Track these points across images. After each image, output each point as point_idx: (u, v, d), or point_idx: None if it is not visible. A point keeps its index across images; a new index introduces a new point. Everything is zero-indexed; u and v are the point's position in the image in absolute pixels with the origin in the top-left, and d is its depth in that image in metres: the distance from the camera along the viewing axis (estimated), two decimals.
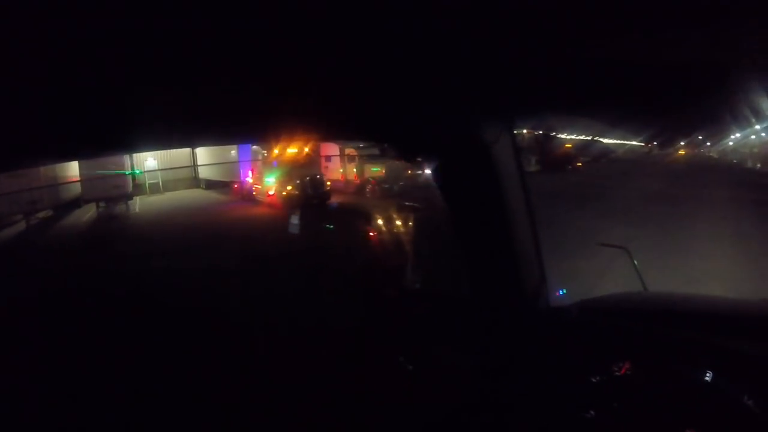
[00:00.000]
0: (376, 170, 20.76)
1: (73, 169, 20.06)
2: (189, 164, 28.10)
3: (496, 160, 1.70)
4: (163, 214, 19.70)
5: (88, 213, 19.94)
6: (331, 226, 12.96)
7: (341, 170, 22.81)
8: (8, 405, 3.58)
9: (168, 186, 27.39)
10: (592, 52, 1.20)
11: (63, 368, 4.50)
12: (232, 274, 7.99)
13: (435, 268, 2.31)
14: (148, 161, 26.79)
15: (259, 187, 20.61)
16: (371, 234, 2.39)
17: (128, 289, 7.38)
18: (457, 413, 1.91)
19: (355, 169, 22.06)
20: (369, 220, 2.41)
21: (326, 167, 23.46)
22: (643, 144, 33.46)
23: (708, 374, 1.42)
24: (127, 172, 21.69)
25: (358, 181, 21.57)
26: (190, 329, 5.45)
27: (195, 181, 28.31)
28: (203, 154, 26.63)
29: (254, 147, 23.39)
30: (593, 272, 6.07)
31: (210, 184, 26.74)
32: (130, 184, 22.57)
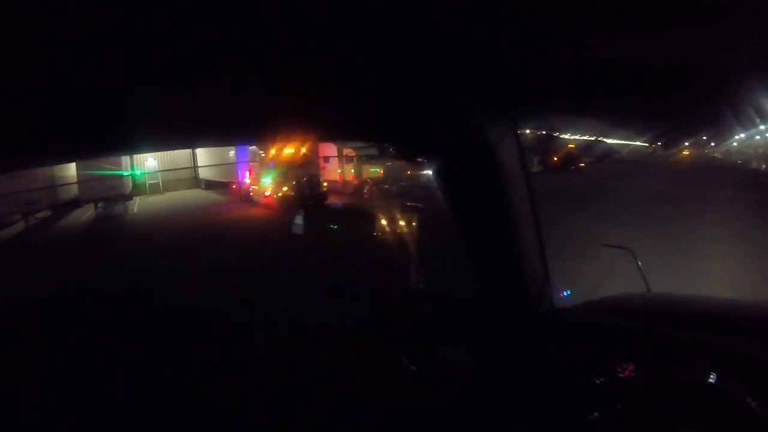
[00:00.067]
0: (375, 171, 20.64)
1: (71, 169, 20.14)
2: (189, 165, 28.17)
3: (500, 160, 1.70)
4: (160, 214, 19.79)
5: (86, 213, 20.01)
6: (336, 226, 13.03)
7: (339, 171, 22.72)
8: (8, 405, 3.60)
9: (168, 186, 27.49)
10: (595, 51, 1.20)
11: (60, 368, 4.52)
12: (223, 275, 8.07)
13: (438, 269, 2.31)
14: (149, 161, 26.87)
15: (256, 187, 20.66)
16: (375, 234, 2.39)
17: (120, 290, 7.44)
18: (459, 414, 1.91)
19: (353, 170, 21.94)
20: (372, 220, 2.41)
21: (324, 168, 23.37)
22: (647, 144, 33.44)
23: (711, 375, 1.43)
24: (124, 173, 21.71)
25: (356, 182, 21.48)
26: (183, 329, 5.48)
27: (195, 182, 28.43)
28: (203, 154, 26.68)
29: (251, 147, 23.40)
30: (592, 275, 6.08)
31: (209, 185, 26.82)
32: (128, 185, 22.64)
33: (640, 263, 2.23)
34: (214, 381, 3.95)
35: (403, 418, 2.08)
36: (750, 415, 1.32)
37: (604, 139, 28.18)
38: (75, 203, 20.58)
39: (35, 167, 14.19)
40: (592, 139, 26.86)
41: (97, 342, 5.28)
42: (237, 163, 23.25)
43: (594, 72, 1.35)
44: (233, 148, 22.89)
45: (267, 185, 19.50)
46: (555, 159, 25.29)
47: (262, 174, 20.45)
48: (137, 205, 23.11)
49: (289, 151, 19.88)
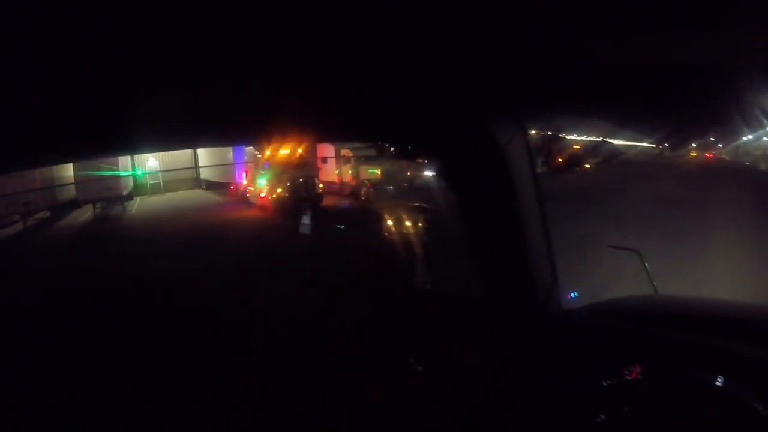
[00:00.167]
0: (373, 172, 20.46)
1: (70, 170, 20.18)
2: (189, 165, 28.20)
3: (509, 161, 1.71)
4: (157, 215, 19.88)
5: (85, 214, 20.07)
6: (342, 227, 13.06)
7: (337, 172, 22.51)
8: (7, 404, 3.62)
9: (169, 186, 27.57)
10: (603, 52, 1.21)
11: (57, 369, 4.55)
12: (211, 277, 8.15)
13: (445, 269, 2.32)
14: (150, 161, 26.91)
15: (252, 189, 20.59)
16: (382, 234, 2.39)
17: (112, 291, 7.49)
18: (466, 415, 1.92)
19: (350, 171, 21.73)
20: (379, 220, 2.42)
21: (321, 169, 23.09)
22: (654, 146, 33.30)
23: (719, 378, 1.43)
24: (122, 173, 21.71)
25: (353, 184, 21.29)
26: (176, 330, 5.52)
27: (197, 182, 28.46)
28: (204, 155, 26.69)
29: (248, 148, 23.33)
30: (592, 279, 6.05)
31: (210, 185, 26.85)
32: (126, 185, 22.66)
33: (647, 265, 2.24)
34: (217, 381, 3.97)
35: (410, 419, 2.09)
36: (757, 418, 1.33)
37: (611, 140, 28.10)
38: (74, 204, 20.61)
39: (36, 167, 14.23)
40: (599, 140, 26.78)
41: (88, 342, 5.32)
42: (234, 163, 23.22)
43: (602, 72, 1.36)
44: (232, 148, 22.88)
45: (262, 186, 19.42)
46: (560, 160, 25.18)
47: (257, 175, 20.35)
48: (137, 205, 23.21)
49: (284, 152, 19.79)
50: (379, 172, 20.20)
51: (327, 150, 22.80)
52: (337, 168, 22.56)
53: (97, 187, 19.96)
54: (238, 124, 1.52)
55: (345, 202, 19.74)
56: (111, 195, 20.79)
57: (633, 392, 1.55)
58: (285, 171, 18.84)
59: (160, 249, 11.56)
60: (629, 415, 1.53)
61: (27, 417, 3.69)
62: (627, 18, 1.04)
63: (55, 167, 19.07)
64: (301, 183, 18.59)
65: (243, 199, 21.31)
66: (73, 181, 20.33)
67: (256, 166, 21.19)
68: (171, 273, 8.76)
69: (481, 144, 1.70)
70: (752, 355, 1.46)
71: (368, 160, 21.02)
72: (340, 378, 3.13)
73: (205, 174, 27.71)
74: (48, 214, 19.78)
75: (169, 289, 7.56)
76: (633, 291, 2.28)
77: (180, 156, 27.04)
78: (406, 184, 18.28)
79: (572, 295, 2.07)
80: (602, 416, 1.57)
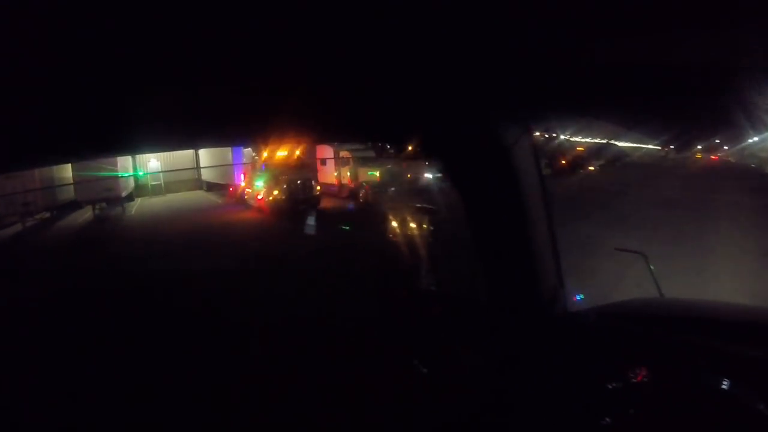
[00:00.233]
0: (372, 174, 20.16)
1: (70, 171, 20.24)
2: (190, 166, 28.24)
3: (515, 162, 1.72)
4: (155, 216, 19.89)
5: (85, 215, 20.12)
6: (347, 227, 13.07)
7: (335, 174, 22.31)
8: (7, 404, 3.63)
9: (171, 188, 27.65)
10: (609, 53, 1.22)
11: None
12: (208, 278, 8.17)
13: (450, 271, 2.33)
14: (152, 163, 26.96)
15: (250, 190, 20.54)
16: (386, 235, 2.40)
17: (109, 291, 7.53)
18: (470, 417, 1.93)
19: (348, 173, 21.48)
20: (381, 222, 2.43)
21: (321, 170, 23.05)
22: (659, 147, 33.18)
23: (724, 381, 1.43)
24: (122, 174, 21.73)
25: (352, 186, 21.04)
26: (163, 331, 5.54)
27: (198, 183, 28.49)
28: (206, 156, 26.73)
29: (246, 149, 23.29)
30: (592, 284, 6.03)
31: (210, 187, 26.86)
32: (126, 186, 22.70)
33: (652, 267, 2.24)
34: (220, 382, 3.98)
35: (415, 420, 2.10)
36: (761, 420, 1.33)
37: (615, 142, 28.00)
38: (75, 205, 20.65)
39: (36, 167, 14.27)
40: (603, 142, 26.69)
41: (86, 343, 5.34)
42: (233, 164, 23.20)
43: (606, 73, 1.37)
44: (231, 149, 22.88)
45: (259, 188, 19.34)
46: (563, 162, 25.10)
47: (254, 177, 20.30)
48: (138, 206, 23.26)
49: (282, 153, 19.66)
50: (378, 173, 20.01)
51: (326, 151, 22.72)
52: (335, 170, 22.42)
53: (96, 188, 20.01)
54: (238, 124, 1.52)
55: (342, 204, 19.64)
56: (110, 196, 20.83)
57: (638, 394, 1.56)
58: (282, 173, 18.74)
59: (155, 250, 11.69)
60: (634, 418, 1.54)
61: (27, 417, 3.70)
62: (629, 18, 1.05)
63: (54, 168, 19.14)
64: (297, 185, 18.46)
65: (241, 201, 21.31)
66: (72, 181, 20.39)
67: (253, 167, 21.15)
68: (165, 273, 8.86)
69: (487, 145, 1.71)
70: (757, 358, 1.47)
71: (367, 162, 20.77)
72: (344, 379, 3.13)
73: (206, 175, 27.74)
74: (47, 214, 19.82)
75: (164, 289, 7.61)
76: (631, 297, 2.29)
77: (181, 158, 27.12)
78: (405, 186, 18.13)
79: (578, 297, 2.08)
80: (607, 418, 1.57)
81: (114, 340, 5.39)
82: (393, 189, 18.22)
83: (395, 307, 2.47)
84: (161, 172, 27.74)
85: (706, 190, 16.69)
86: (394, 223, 2.40)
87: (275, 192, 18.32)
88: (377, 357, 2.57)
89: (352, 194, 20.68)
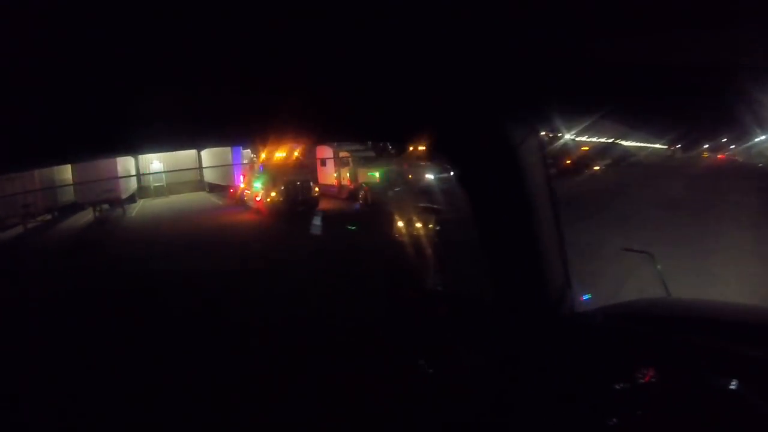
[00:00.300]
0: (372, 175, 20.10)
1: (70, 172, 20.34)
2: (193, 168, 28.31)
3: (522, 161, 1.73)
4: (155, 218, 20.01)
5: (86, 217, 20.22)
6: (354, 227, 13.08)
7: (335, 175, 22.27)
8: (7, 404, 3.65)
9: (174, 189, 27.74)
10: (615, 52, 1.22)
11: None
12: (204, 280, 8.26)
13: (457, 271, 2.34)
14: (154, 164, 27.05)
15: (249, 192, 20.55)
16: (394, 236, 2.41)
17: (104, 292, 7.58)
18: (476, 417, 1.93)
19: (348, 174, 21.44)
20: (387, 222, 2.43)
21: (321, 171, 23.11)
22: (665, 147, 33.03)
23: (733, 382, 1.44)
24: (123, 176, 21.79)
25: (352, 187, 21.00)
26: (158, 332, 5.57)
27: (201, 184, 28.57)
28: (207, 157, 26.80)
29: (245, 150, 23.28)
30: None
31: (212, 188, 26.92)
32: (127, 188, 22.78)
33: (659, 267, 2.24)
34: (227, 382, 3.99)
35: (421, 421, 2.10)
36: None
37: (621, 142, 27.87)
38: (77, 206, 20.73)
39: (36, 168, 14.34)
40: (609, 141, 26.56)
41: (81, 344, 5.37)
42: (233, 165, 23.22)
43: (612, 73, 1.37)
44: (231, 150, 22.91)
45: (258, 190, 19.32)
46: (568, 162, 24.99)
47: (253, 178, 20.30)
48: (139, 208, 23.34)
49: (280, 154, 19.64)
50: (377, 174, 19.93)
51: (326, 152, 22.69)
52: (335, 170, 22.38)
53: (96, 189, 20.12)
54: (240, 122, 1.52)
55: (342, 205, 19.60)
56: (110, 197, 20.92)
57: (645, 395, 1.56)
58: (279, 174, 18.71)
59: (150, 252, 11.82)
60: (642, 418, 1.54)
61: (28, 417, 3.72)
62: (634, 17, 1.06)
63: (56, 170, 19.22)
64: (296, 186, 18.39)
65: (241, 203, 21.33)
66: (73, 184, 20.48)
67: (252, 168, 21.14)
68: (158, 274, 8.97)
69: (494, 144, 1.72)
70: (766, 359, 1.47)
71: (368, 162, 20.74)
72: (350, 379, 3.14)
73: (208, 177, 27.82)
74: (49, 216, 19.89)
75: (157, 290, 7.67)
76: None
77: (184, 159, 27.21)
78: (407, 187, 18.01)
79: (585, 297, 2.08)
80: (614, 419, 1.58)
81: (111, 340, 5.42)
82: (394, 190, 18.00)
83: (401, 307, 2.48)
84: (162, 172, 27.81)
85: (712, 191, 16.58)
86: (400, 223, 2.40)
87: (272, 194, 18.29)
88: (382, 357, 2.58)
89: (352, 195, 20.61)
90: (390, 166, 19.82)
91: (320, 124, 1.70)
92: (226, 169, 24.29)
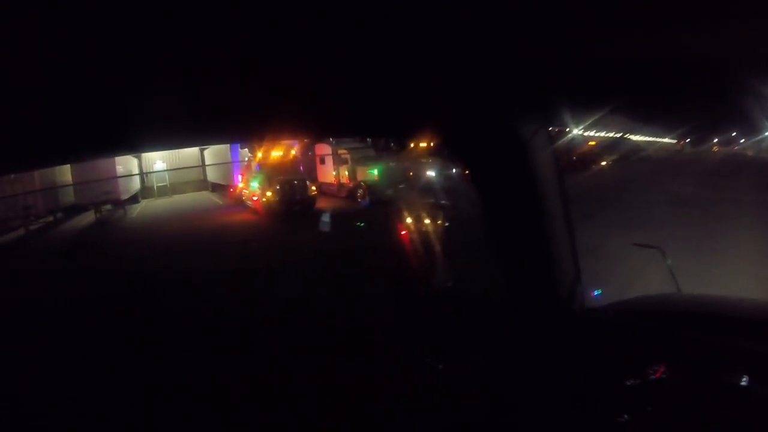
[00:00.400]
0: (372, 172, 19.91)
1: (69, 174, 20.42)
2: (195, 168, 28.43)
3: (531, 157, 1.74)
4: (155, 219, 20.03)
5: (87, 218, 20.29)
6: (362, 224, 13.06)
7: (334, 173, 22.12)
8: (8, 404, 3.69)
9: (177, 189, 27.82)
10: (624, 47, 1.23)
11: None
12: (191, 280, 8.33)
13: (466, 267, 2.35)
14: (158, 164, 27.15)
15: (247, 191, 20.51)
16: (402, 233, 2.42)
17: (101, 293, 7.63)
18: (486, 414, 1.95)
19: (346, 172, 21.29)
20: (400, 218, 2.44)
21: (320, 169, 23.04)
22: (675, 141, 32.88)
23: (744, 378, 1.44)
24: (119, 176, 21.84)
25: (350, 185, 20.87)
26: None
27: (204, 184, 28.64)
28: (210, 157, 26.89)
29: (242, 150, 23.24)
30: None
31: (215, 187, 26.98)
32: (126, 189, 22.83)
33: (669, 262, 2.25)
34: (234, 383, 4.02)
35: (429, 418, 2.11)
36: None
37: (629, 136, 27.71)
38: (80, 208, 20.80)
39: (38, 168, 14.40)
40: (617, 136, 26.41)
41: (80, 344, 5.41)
42: (233, 163, 23.23)
43: (623, 68, 1.38)
44: (230, 149, 22.95)
45: (255, 189, 19.25)
46: (574, 157, 24.83)
47: (250, 177, 20.26)
48: (142, 208, 23.42)
49: (276, 153, 19.65)
50: (376, 172, 19.78)
51: (325, 150, 22.60)
52: (333, 169, 22.26)
53: (95, 190, 20.21)
54: (239, 122, 1.53)
55: (341, 204, 19.42)
56: (109, 198, 20.97)
57: (656, 391, 1.57)
58: (275, 174, 18.66)
59: (148, 253, 11.96)
60: (652, 415, 1.55)
61: (28, 417, 3.75)
62: (644, 11, 1.06)
63: (57, 171, 19.30)
64: (292, 186, 18.27)
65: (240, 202, 21.31)
66: (71, 184, 20.55)
67: (249, 168, 21.11)
68: (154, 274, 9.09)
69: (503, 139, 1.72)
70: None
71: (367, 160, 20.63)
72: (357, 376, 3.15)
73: (211, 176, 27.91)
74: (51, 218, 19.97)
75: (152, 290, 7.74)
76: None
77: (187, 159, 27.30)
78: (407, 185, 17.89)
79: (596, 293, 2.09)
80: (625, 416, 1.59)
81: (109, 341, 5.46)
82: (392, 188, 17.75)
83: (408, 305, 2.49)
84: (164, 170, 27.89)
85: (721, 187, 16.36)
86: (407, 220, 2.41)
87: (268, 193, 18.20)
88: (389, 355, 2.60)
89: (351, 194, 20.49)
90: (389, 163, 19.76)
91: (325, 120, 1.70)
92: (227, 168, 24.32)
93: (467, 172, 1.88)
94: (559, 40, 1.20)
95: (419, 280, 2.39)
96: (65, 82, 1.05)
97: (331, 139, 20.57)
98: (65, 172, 20.25)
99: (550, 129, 1.86)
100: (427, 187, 16.51)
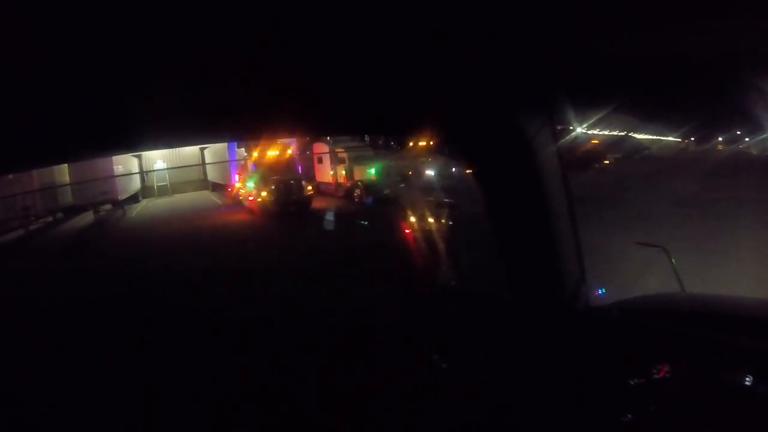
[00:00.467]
0: (370, 172, 19.72)
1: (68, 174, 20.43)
2: (196, 167, 28.43)
3: (536, 154, 1.74)
4: (153, 219, 20.01)
5: (87, 218, 20.28)
6: (366, 222, 13.05)
7: (331, 172, 22.07)
8: (8, 404, 3.69)
9: (177, 188, 27.82)
10: (630, 44, 1.23)
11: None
12: (187, 280, 8.32)
13: (471, 266, 2.35)
14: (158, 163, 27.17)
15: (243, 191, 20.46)
16: (406, 231, 2.43)
17: (99, 293, 7.63)
18: (490, 413, 1.95)
19: (344, 171, 21.20)
20: (403, 217, 2.45)
21: (318, 169, 23.02)
22: (679, 140, 32.78)
23: (748, 378, 1.45)
24: (117, 176, 21.84)
25: (347, 185, 20.75)
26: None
27: (205, 183, 28.66)
28: (209, 156, 26.91)
29: (239, 149, 23.19)
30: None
31: (215, 187, 27.00)
32: (125, 189, 22.85)
33: (673, 261, 2.25)
34: (240, 383, 4.02)
35: (434, 416, 2.12)
36: None
37: (633, 135, 27.61)
38: (80, 208, 20.81)
39: (37, 168, 14.42)
40: (621, 134, 26.31)
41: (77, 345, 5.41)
42: (230, 162, 23.22)
43: (628, 65, 1.38)
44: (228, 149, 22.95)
45: (251, 189, 19.18)
46: (577, 156, 24.65)
47: (247, 177, 20.21)
48: (142, 207, 23.43)
49: (272, 152, 19.56)
50: (374, 171, 19.63)
51: (323, 149, 22.59)
52: (331, 168, 22.20)
53: (93, 190, 20.23)
54: (239, 120, 1.53)
55: (338, 204, 19.22)
56: (107, 198, 20.99)
57: (660, 390, 1.57)
58: (270, 173, 18.56)
59: (147, 253, 11.92)
60: (656, 414, 1.55)
61: (28, 417, 3.76)
62: (649, 8, 1.07)
63: (56, 171, 19.31)
64: (287, 185, 18.18)
65: (237, 202, 21.29)
66: (72, 186, 20.56)
67: (246, 167, 21.06)
68: (149, 275, 9.08)
69: (508, 137, 1.73)
70: None
71: (365, 159, 20.49)
72: (362, 374, 3.15)
73: (211, 175, 27.95)
74: (50, 218, 19.98)
75: (148, 291, 7.75)
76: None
77: (188, 159, 27.31)
78: (406, 184, 17.69)
79: (600, 291, 2.09)
80: (629, 415, 1.59)
81: (107, 341, 5.46)
82: (391, 188, 17.41)
83: (414, 303, 2.50)
84: (164, 169, 27.92)
85: (726, 187, 16.25)
86: (412, 219, 2.42)
87: (263, 193, 18.14)
88: (397, 352, 2.60)
89: (348, 193, 20.37)
90: (387, 162, 19.71)
91: (328, 118, 1.70)
92: (225, 167, 24.30)
93: (470, 170, 1.88)
94: (561, 38, 1.20)
95: (423, 278, 2.40)
96: (65, 82, 1.05)
97: (328, 138, 20.49)
98: (64, 173, 20.25)
99: (554, 127, 1.86)
100: (427, 186, 16.47)
